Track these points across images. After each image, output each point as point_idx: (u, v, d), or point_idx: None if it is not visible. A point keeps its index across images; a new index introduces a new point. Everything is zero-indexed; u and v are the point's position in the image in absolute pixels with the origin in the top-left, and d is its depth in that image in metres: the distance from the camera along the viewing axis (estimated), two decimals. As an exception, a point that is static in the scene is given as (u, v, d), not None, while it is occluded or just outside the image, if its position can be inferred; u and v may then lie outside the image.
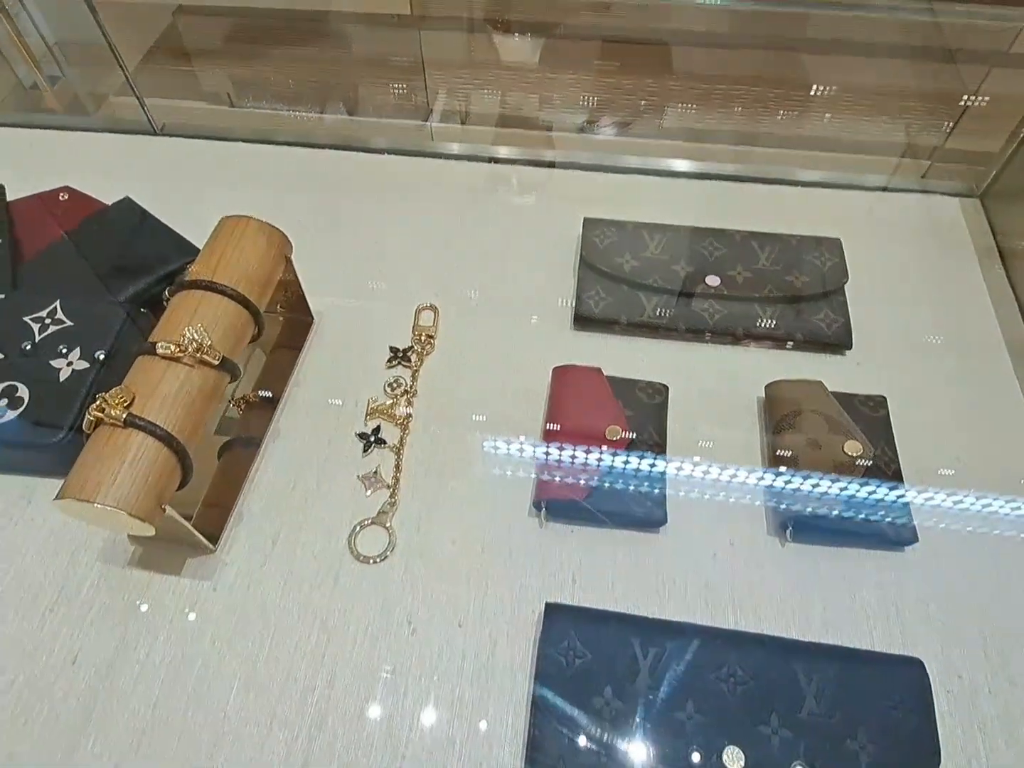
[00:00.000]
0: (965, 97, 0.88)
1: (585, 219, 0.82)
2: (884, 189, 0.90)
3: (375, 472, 0.66)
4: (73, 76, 1.19)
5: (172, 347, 0.56)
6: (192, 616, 0.58)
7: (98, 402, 0.53)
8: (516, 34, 1.19)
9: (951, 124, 0.91)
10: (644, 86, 1.10)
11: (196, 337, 0.57)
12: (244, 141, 0.97)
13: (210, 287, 0.61)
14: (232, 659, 0.56)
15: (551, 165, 0.95)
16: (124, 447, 0.52)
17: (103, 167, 0.93)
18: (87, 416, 0.53)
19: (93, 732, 0.53)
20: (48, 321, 0.69)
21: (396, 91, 1.13)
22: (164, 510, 0.53)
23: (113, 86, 1.21)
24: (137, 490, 0.51)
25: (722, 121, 1.04)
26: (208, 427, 0.62)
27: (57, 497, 0.51)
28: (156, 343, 0.56)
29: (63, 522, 0.63)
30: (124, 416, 0.52)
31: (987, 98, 0.87)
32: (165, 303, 0.62)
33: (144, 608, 0.59)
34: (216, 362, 0.58)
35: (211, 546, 0.61)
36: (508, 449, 0.67)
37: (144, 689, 0.55)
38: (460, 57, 1.17)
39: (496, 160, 0.96)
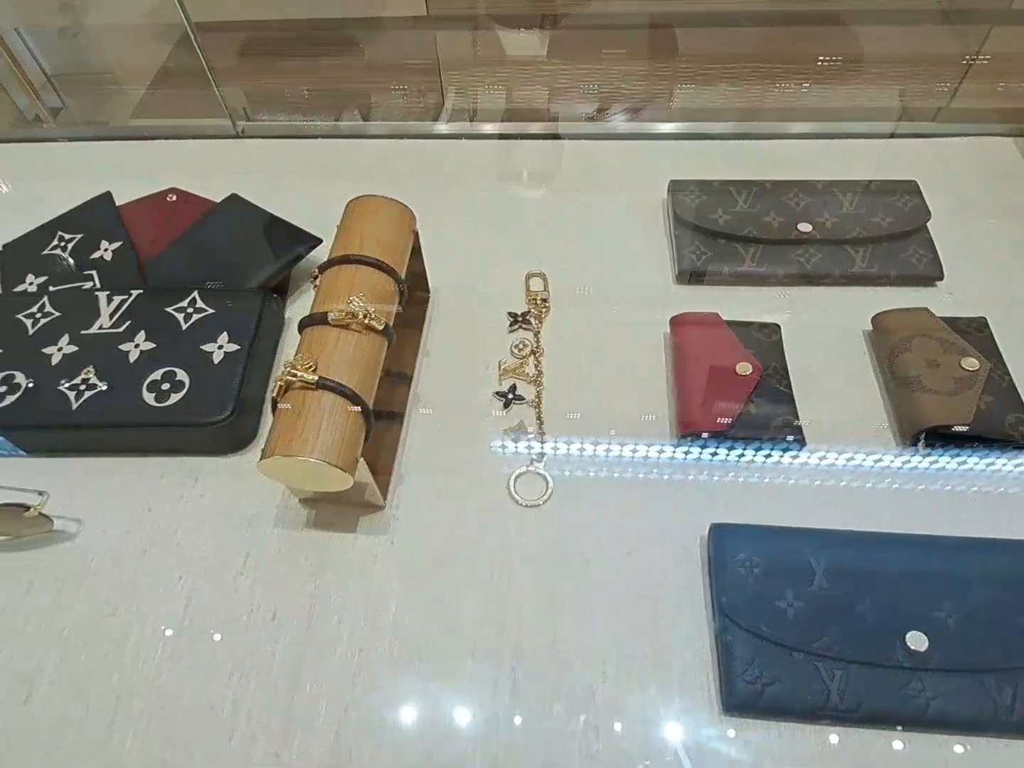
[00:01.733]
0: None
1: (671, 181, 0.86)
2: (944, 135, 0.95)
3: (519, 425, 0.70)
4: (73, 106, 1.22)
5: (343, 314, 0.60)
6: (377, 567, 0.62)
7: (286, 368, 0.57)
8: (521, 28, 1.24)
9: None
10: (656, 70, 1.15)
11: (362, 304, 0.61)
12: (323, 138, 1.01)
13: (361, 260, 0.64)
14: (422, 602, 0.60)
15: (597, 138, 0.99)
16: (319, 407, 0.56)
17: (193, 171, 0.96)
18: (276, 382, 0.57)
19: (307, 679, 0.57)
20: (191, 311, 0.72)
21: (408, 91, 1.17)
22: (357, 463, 0.57)
23: (115, 115, 1.23)
24: (338, 445, 0.55)
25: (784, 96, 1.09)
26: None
27: (263, 457, 0.55)
28: (327, 312, 0.60)
29: (232, 495, 0.67)
30: (316, 379, 0.56)
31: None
32: (313, 280, 0.66)
33: (330, 564, 0.62)
34: (380, 327, 0.61)
35: (382, 502, 0.65)
36: (641, 390, 0.71)
37: (347, 635, 0.59)
38: (474, 55, 1.22)
39: (557, 137, 1.00)
